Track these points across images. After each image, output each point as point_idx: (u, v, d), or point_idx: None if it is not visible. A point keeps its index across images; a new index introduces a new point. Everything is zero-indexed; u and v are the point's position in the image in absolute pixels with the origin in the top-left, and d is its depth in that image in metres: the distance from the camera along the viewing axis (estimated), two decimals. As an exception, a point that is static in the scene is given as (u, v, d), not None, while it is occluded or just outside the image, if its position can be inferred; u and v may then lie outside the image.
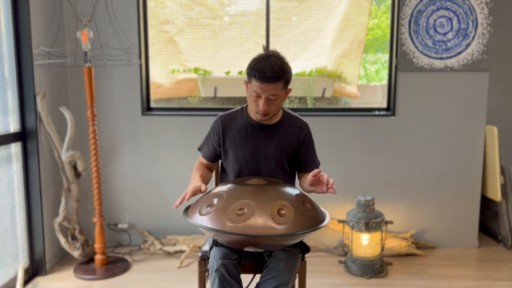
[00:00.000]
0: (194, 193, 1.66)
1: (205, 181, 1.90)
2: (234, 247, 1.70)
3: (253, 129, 1.90)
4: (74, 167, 2.97)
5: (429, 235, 3.37)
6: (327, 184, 1.65)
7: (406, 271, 2.97)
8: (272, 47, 3.33)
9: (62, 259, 3.13)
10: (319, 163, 1.98)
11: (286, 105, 3.53)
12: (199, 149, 2.04)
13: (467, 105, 3.24)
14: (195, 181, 1.77)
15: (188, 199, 1.64)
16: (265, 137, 1.89)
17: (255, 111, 1.81)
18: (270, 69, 1.71)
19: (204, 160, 2.02)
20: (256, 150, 1.89)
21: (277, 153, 1.89)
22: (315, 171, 1.68)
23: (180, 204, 1.63)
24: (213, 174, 2.11)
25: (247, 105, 1.94)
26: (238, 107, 1.98)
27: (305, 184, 1.83)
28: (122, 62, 3.12)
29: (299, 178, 1.97)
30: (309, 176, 1.72)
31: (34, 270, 2.88)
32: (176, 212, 3.29)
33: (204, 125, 3.23)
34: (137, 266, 3.04)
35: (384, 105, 3.40)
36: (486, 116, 3.26)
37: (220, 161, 2.03)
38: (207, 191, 1.74)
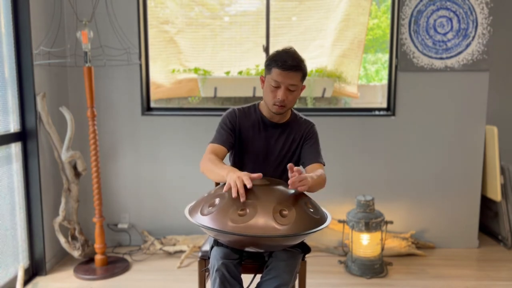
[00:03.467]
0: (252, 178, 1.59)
1: None
2: (235, 247, 1.70)
3: (265, 126, 1.94)
4: (74, 167, 2.97)
5: (429, 235, 3.37)
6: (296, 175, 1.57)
7: (406, 271, 2.97)
8: (272, 47, 3.33)
9: (62, 259, 3.13)
10: (323, 164, 1.95)
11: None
12: (213, 141, 1.90)
13: (467, 105, 3.24)
14: (233, 169, 1.65)
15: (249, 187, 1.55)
16: (275, 135, 1.94)
17: (272, 102, 1.84)
18: (291, 58, 1.79)
19: (217, 149, 1.86)
20: (267, 146, 1.94)
21: (283, 150, 1.94)
22: (289, 165, 1.61)
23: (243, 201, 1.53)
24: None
25: (259, 103, 1.99)
26: (250, 104, 2.01)
27: None
28: (122, 62, 3.11)
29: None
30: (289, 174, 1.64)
31: (34, 270, 2.87)
32: (176, 212, 3.29)
33: (204, 125, 3.24)
34: (137, 266, 3.03)
35: (384, 105, 3.40)
36: (486, 116, 3.27)
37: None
38: (209, 191, 1.74)
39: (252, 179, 1.57)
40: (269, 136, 1.94)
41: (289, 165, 1.61)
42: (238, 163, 1.98)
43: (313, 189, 1.72)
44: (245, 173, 1.59)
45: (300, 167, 1.78)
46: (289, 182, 1.57)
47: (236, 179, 1.56)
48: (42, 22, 2.87)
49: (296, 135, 1.95)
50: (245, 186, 1.56)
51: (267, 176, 1.91)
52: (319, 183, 1.75)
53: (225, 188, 1.59)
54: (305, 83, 1.91)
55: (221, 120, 1.94)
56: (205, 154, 1.85)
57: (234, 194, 1.53)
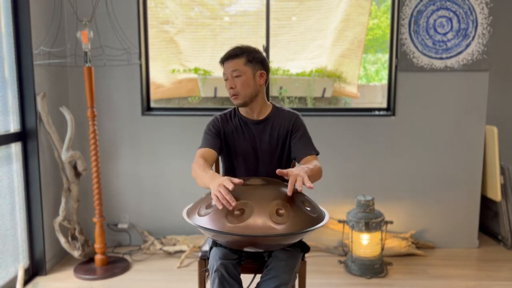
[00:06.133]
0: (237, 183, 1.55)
1: None
2: (234, 247, 1.70)
3: (246, 126, 1.96)
4: (74, 167, 2.98)
5: (429, 235, 3.37)
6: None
7: (406, 271, 2.97)
8: (272, 47, 3.33)
9: (62, 259, 3.13)
10: (317, 153, 1.94)
11: (286, 104, 3.53)
12: (201, 146, 1.93)
13: (467, 105, 3.24)
14: (214, 177, 1.62)
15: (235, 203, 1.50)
16: (258, 132, 1.94)
17: (229, 95, 1.90)
18: (229, 51, 1.90)
19: (206, 153, 1.87)
20: (253, 145, 1.94)
21: (270, 146, 1.94)
22: (277, 171, 1.61)
23: (234, 207, 1.50)
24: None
25: None
26: (230, 108, 2.03)
27: None
28: (122, 62, 3.12)
29: None
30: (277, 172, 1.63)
31: (34, 270, 2.88)
32: (176, 212, 3.30)
33: (204, 125, 3.22)
34: (137, 266, 3.04)
35: (384, 105, 3.40)
36: (486, 116, 3.26)
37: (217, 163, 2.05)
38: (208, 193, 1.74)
39: (233, 184, 1.52)
40: (252, 134, 1.95)
41: (277, 171, 1.60)
42: (230, 168, 1.99)
43: (311, 180, 1.69)
44: (225, 178, 1.54)
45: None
46: (288, 191, 1.56)
47: (218, 188, 1.51)
48: (42, 22, 2.87)
49: (281, 129, 1.94)
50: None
51: (261, 175, 1.91)
52: (315, 175, 1.74)
53: (214, 201, 1.55)
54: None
55: (206, 128, 1.97)
56: (194, 159, 1.84)
57: (220, 206, 1.50)
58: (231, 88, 1.87)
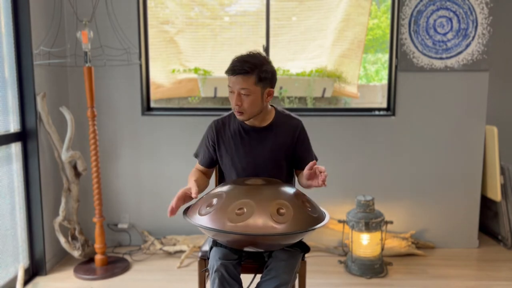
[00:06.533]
0: (181, 197, 1.68)
1: (200, 186, 1.84)
2: (234, 247, 1.70)
3: (246, 133, 1.88)
4: (74, 167, 2.98)
5: (429, 235, 3.37)
6: (321, 176, 1.63)
7: (406, 271, 2.97)
8: (272, 47, 3.33)
9: (62, 259, 3.13)
10: (317, 159, 1.95)
11: (286, 105, 3.53)
12: (196, 155, 2.02)
13: (467, 105, 3.24)
14: (188, 185, 1.75)
15: (175, 206, 1.66)
16: (259, 140, 1.87)
17: (233, 108, 1.81)
18: (240, 62, 1.72)
19: (200, 167, 1.99)
20: (252, 153, 1.87)
21: (273, 154, 1.87)
22: (311, 163, 1.66)
23: (173, 213, 1.65)
24: (212, 178, 2.09)
25: None
26: (231, 111, 1.94)
27: (302, 180, 1.84)
28: (122, 62, 3.12)
29: (297, 175, 1.96)
30: (305, 170, 1.68)
31: (34, 270, 2.88)
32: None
33: (204, 125, 3.21)
34: (137, 266, 3.04)
35: (384, 105, 3.40)
36: (486, 116, 3.26)
37: (217, 166, 2.04)
38: (208, 192, 1.74)
39: (177, 200, 1.69)
40: (253, 141, 1.87)
41: (311, 164, 1.67)
42: (229, 173, 1.93)
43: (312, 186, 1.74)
44: (187, 187, 1.72)
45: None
46: (320, 181, 1.64)
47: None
48: (42, 22, 2.87)
49: (287, 138, 1.88)
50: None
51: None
52: None
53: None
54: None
55: (204, 135, 1.97)
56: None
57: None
58: (237, 105, 1.75)
